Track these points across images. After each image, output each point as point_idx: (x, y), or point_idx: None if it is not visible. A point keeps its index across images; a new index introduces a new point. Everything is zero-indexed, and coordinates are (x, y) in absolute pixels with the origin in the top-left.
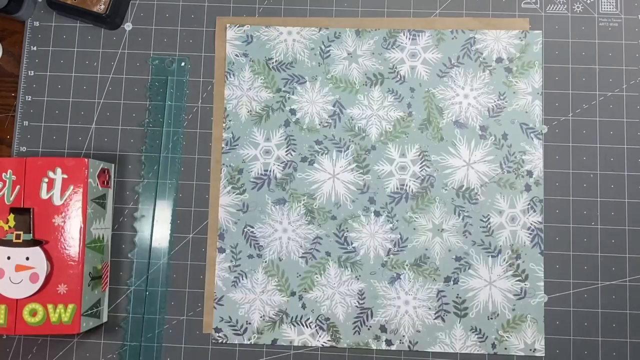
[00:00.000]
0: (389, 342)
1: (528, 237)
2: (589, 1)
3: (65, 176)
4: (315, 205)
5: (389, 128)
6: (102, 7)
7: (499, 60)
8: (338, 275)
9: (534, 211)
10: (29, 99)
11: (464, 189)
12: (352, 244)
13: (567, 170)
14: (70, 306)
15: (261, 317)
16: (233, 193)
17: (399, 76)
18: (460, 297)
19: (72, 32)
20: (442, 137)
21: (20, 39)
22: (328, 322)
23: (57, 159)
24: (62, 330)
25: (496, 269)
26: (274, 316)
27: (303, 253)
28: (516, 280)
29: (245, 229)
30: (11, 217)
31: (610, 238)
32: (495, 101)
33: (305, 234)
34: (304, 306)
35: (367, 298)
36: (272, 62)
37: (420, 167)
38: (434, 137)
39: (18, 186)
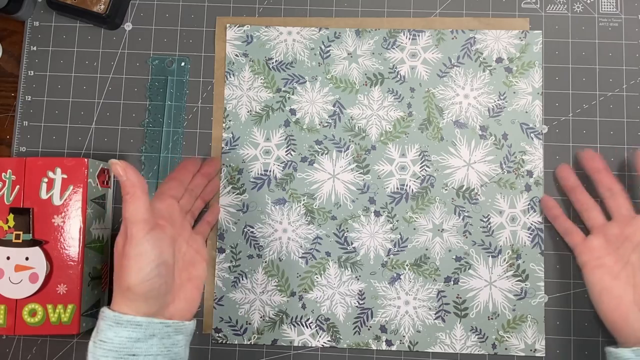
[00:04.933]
0: (389, 343)
1: (528, 237)
2: (589, 1)
3: (65, 176)
4: (315, 206)
5: (389, 128)
6: (102, 7)
7: (499, 60)
8: (338, 276)
9: (534, 211)
10: (29, 99)
11: (464, 189)
12: (352, 244)
13: None
14: (70, 306)
15: (261, 317)
16: (233, 193)
17: (399, 76)
18: (460, 298)
19: (72, 32)
20: (442, 137)
21: (20, 39)
22: (328, 322)
23: (57, 159)
24: (61, 331)
25: (496, 269)
26: (274, 316)
27: (303, 253)
28: (516, 281)
29: (245, 229)
30: (11, 217)
31: None
32: (495, 101)
33: (305, 234)
34: (304, 306)
35: (367, 298)
36: (272, 62)
37: (420, 167)
38: (434, 137)
39: (18, 186)
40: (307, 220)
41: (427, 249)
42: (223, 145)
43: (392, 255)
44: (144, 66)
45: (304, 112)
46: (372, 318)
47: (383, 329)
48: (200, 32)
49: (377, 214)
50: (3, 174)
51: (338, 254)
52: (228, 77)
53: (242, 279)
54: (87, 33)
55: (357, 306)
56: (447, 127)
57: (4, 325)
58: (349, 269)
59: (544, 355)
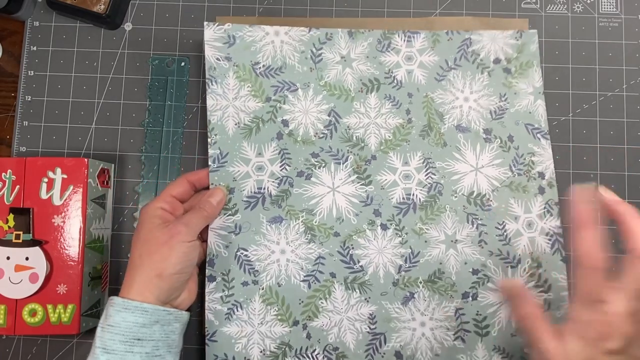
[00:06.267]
0: None
1: (547, 243)
2: (589, 1)
3: (65, 176)
4: (315, 222)
5: (389, 136)
6: (102, 7)
7: (497, 61)
8: (345, 299)
9: (551, 215)
10: (29, 99)
11: (474, 194)
12: (358, 262)
13: (567, 170)
14: (70, 306)
15: (261, 351)
16: (224, 215)
17: (395, 81)
18: (480, 314)
19: (72, 32)
20: (445, 142)
21: (20, 39)
22: (337, 351)
23: (57, 159)
24: (61, 331)
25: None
26: (275, 349)
27: (305, 276)
28: (539, 292)
29: (238, 253)
30: (11, 217)
31: (610, 238)
32: (496, 103)
33: (305, 254)
34: (308, 336)
35: (378, 322)
36: (259, 67)
37: (425, 175)
38: (436, 143)
39: (18, 186)
40: (307, 239)
41: (441, 263)
42: (210, 163)
43: (403, 272)
44: (144, 66)
45: (298, 123)
46: (385, 344)
47: (398, 354)
48: (200, 32)
49: (384, 227)
50: (3, 174)
51: (344, 275)
52: (210, 84)
53: (237, 310)
54: (87, 33)
55: (368, 332)
56: (449, 132)
57: (4, 325)
58: (357, 290)
59: None
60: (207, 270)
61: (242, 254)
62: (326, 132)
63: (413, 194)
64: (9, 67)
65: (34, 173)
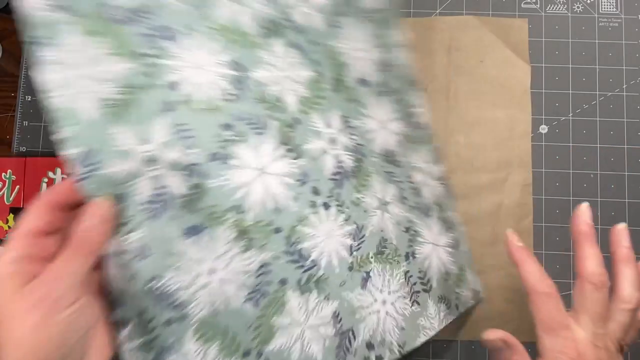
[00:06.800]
0: (379, 358)
1: (442, 186)
2: (589, 1)
3: (65, 176)
4: (249, 221)
5: (306, 93)
6: None
7: (375, 11)
8: (303, 305)
9: (437, 159)
10: (29, 99)
11: (386, 152)
12: (309, 257)
13: (567, 170)
14: None
15: None
16: (119, 233)
17: (295, 25)
18: (421, 271)
19: None
20: (353, 97)
21: (21, 39)
22: None
23: (57, 159)
24: None
25: (434, 228)
26: None
27: (248, 294)
28: (450, 234)
29: (152, 284)
30: (11, 217)
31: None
32: (383, 54)
33: (243, 267)
34: None
35: (343, 318)
36: (113, 11)
37: (348, 137)
38: (347, 99)
39: (18, 186)
40: (242, 247)
41: (382, 230)
42: (74, 169)
43: (355, 252)
44: None
45: (192, 85)
46: (355, 339)
47: (370, 345)
48: None
49: (326, 205)
50: (3, 174)
51: (296, 277)
52: (39, 51)
53: (167, 356)
54: None
55: (334, 335)
56: (353, 85)
57: None
58: (314, 290)
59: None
60: (114, 314)
61: (155, 284)
62: (236, 92)
63: (342, 161)
64: (9, 67)
65: (34, 173)
